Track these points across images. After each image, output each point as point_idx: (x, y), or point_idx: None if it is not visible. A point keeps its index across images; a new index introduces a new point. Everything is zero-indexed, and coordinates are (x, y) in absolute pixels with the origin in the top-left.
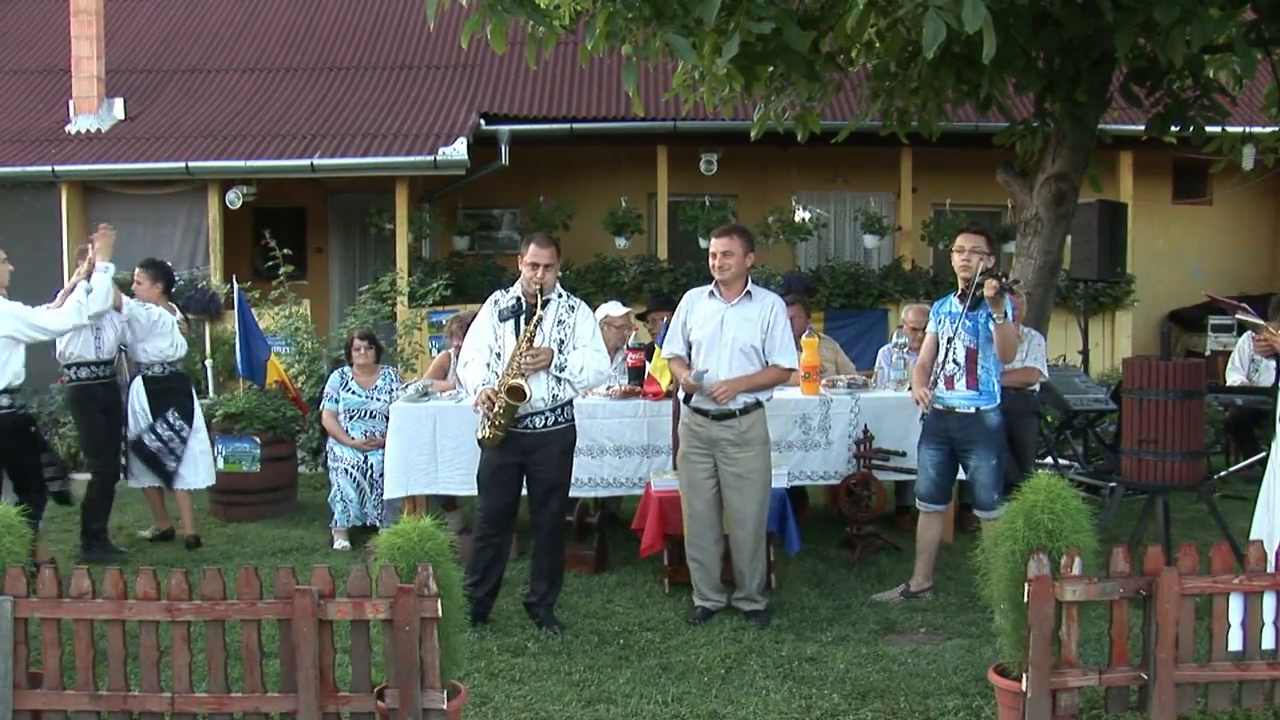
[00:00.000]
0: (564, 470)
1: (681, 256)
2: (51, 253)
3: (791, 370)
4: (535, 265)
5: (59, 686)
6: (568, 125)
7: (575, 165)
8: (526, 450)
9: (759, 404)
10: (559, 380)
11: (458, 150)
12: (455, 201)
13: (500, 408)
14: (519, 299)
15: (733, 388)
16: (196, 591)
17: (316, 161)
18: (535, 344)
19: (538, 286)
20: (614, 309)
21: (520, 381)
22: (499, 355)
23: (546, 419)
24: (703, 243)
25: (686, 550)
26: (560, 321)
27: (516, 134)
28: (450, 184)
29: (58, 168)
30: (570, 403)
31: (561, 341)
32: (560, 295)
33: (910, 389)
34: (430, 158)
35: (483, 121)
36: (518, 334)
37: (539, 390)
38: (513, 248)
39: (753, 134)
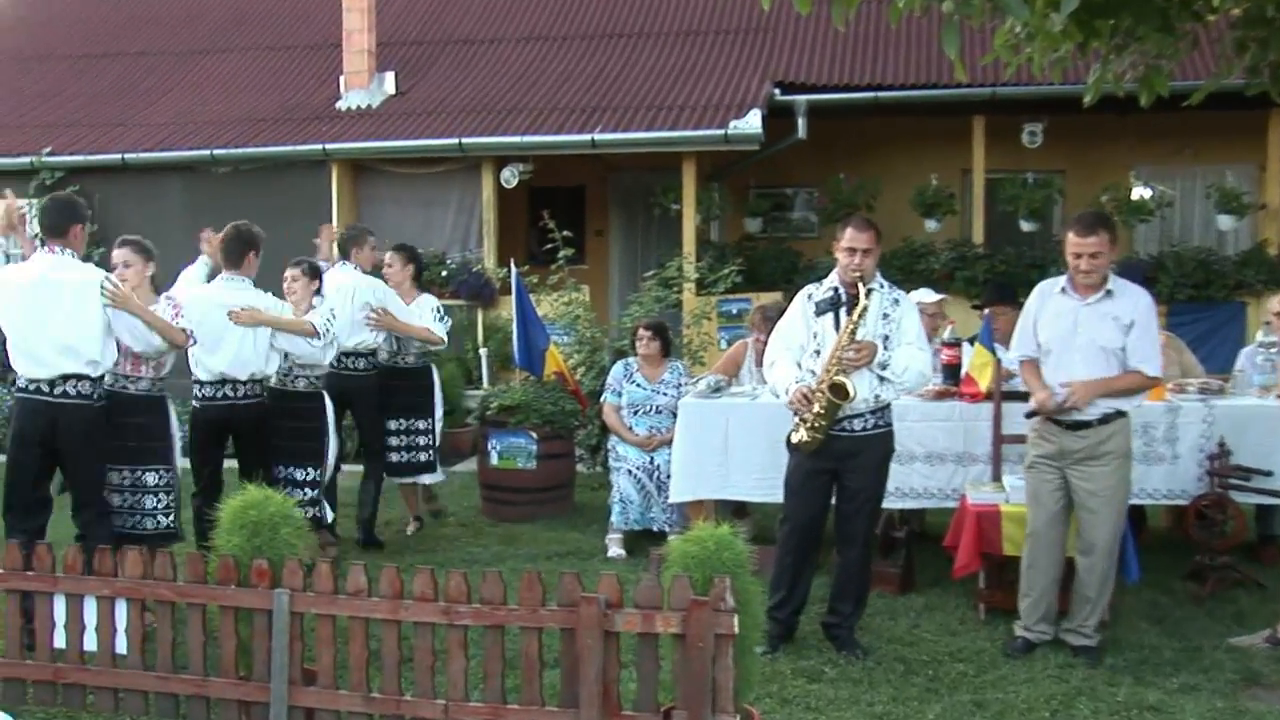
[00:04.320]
0: (880, 479)
1: (999, 240)
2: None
3: (1157, 379)
4: (853, 251)
5: (333, 686)
6: (872, 94)
7: (880, 139)
8: (841, 455)
9: (1120, 413)
10: (881, 380)
11: (750, 123)
12: (746, 180)
13: (821, 407)
14: (836, 289)
15: (1089, 391)
16: (475, 595)
17: (597, 137)
18: (858, 338)
19: (857, 274)
20: (925, 295)
21: (845, 379)
22: (817, 352)
23: (866, 422)
24: (1024, 225)
25: (1022, 572)
26: (885, 315)
27: (815, 104)
28: (741, 160)
29: (328, 146)
30: (889, 406)
31: (886, 337)
32: (882, 286)
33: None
34: (720, 132)
35: (777, 91)
36: (837, 328)
37: (861, 389)
38: (809, 231)
39: (1086, 99)
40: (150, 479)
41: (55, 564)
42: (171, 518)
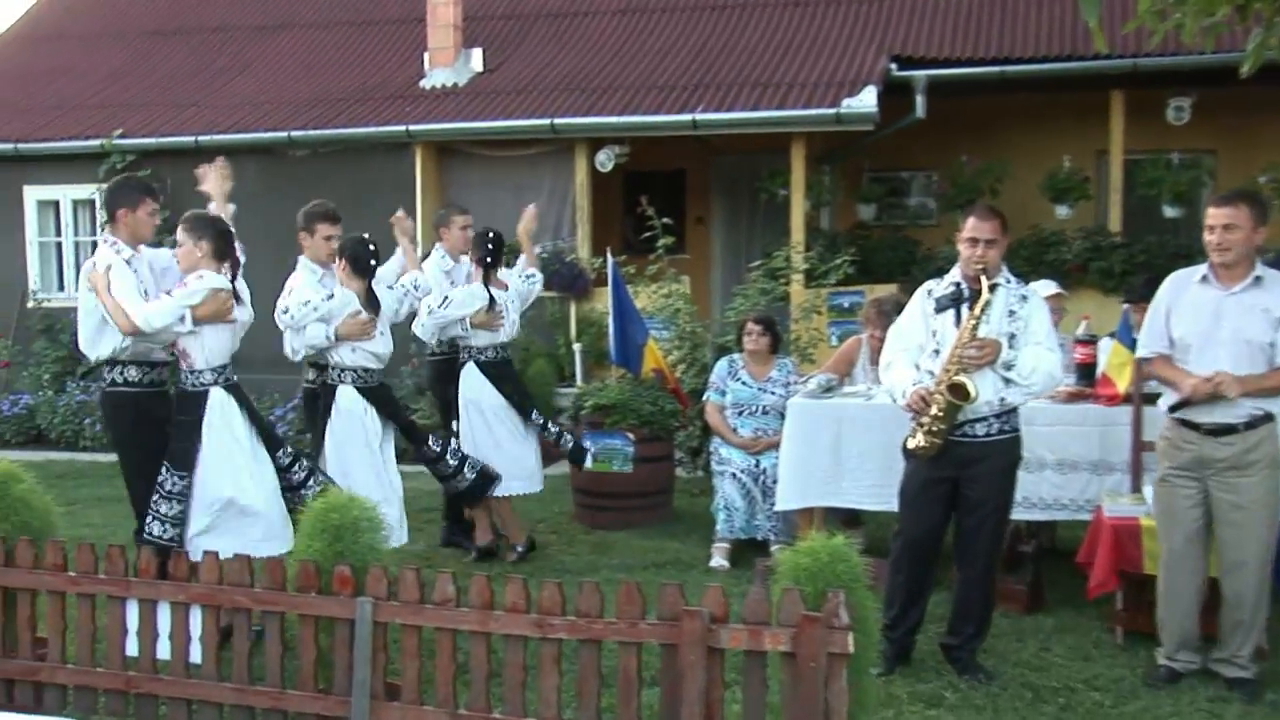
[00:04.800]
0: (1005, 490)
1: (1139, 228)
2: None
3: None
4: (975, 241)
5: (417, 700)
6: (998, 68)
7: (1006, 117)
8: (963, 463)
9: (1269, 416)
10: (1006, 381)
11: (865, 101)
12: (860, 163)
13: (940, 410)
14: (958, 284)
15: (1243, 384)
16: (570, 606)
17: (698, 117)
18: (980, 335)
19: (980, 267)
20: (1044, 287)
21: (965, 379)
22: (936, 352)
23: (990, 426)
24: (1168, 211)
25: (1158, 594)
26: (1011, 313)
27: (935, 80)
28: (855, 142)
29: (412, 127)
30: (1015, 410)
31: (1012, 336)
32: (1008, 281)
33: None
34: (832, 111)
35: (894, 66)
36: (958, 325)
37: (985, 390)
38: (927, 218)
39: (1244, 69)
40: (168, 483)
41: (129, 567)
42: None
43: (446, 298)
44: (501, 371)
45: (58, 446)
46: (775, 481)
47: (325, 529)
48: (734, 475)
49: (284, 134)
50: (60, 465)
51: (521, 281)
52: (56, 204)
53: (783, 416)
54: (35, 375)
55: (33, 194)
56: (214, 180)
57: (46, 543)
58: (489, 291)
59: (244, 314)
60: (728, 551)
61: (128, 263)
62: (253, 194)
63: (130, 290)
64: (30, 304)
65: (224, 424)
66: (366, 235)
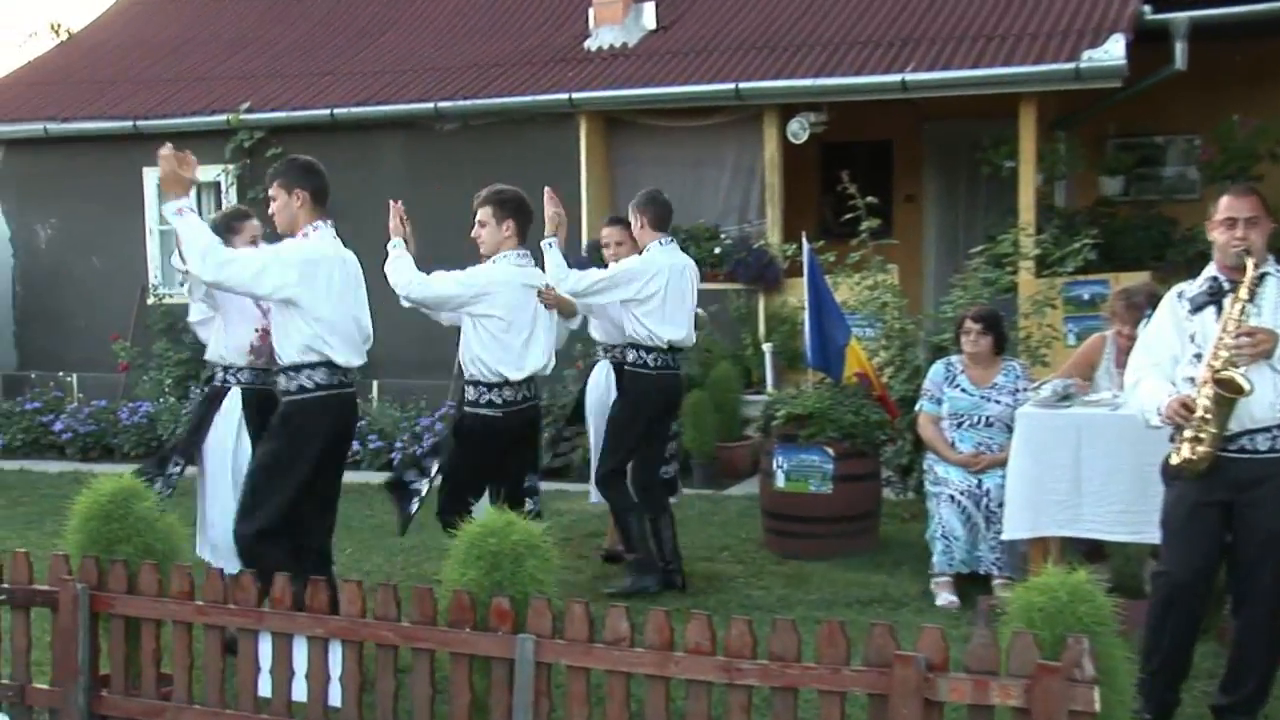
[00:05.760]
0: None
1: None
2: (568, 201)
3: None
4: (1233, 222)
5: None
6: (1278, 4)
7: None
8: (1240, 484)
9: None
10: None
11: (1111, 53)
12: (1103, 128)
13: (1208, 410)
14: (1215, 278)
15: None
16: (763, 648)
17: (908, 77)
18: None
19: (1240, 249)
20: None
21: (1234, 373)
22: (1198, 356)
23: (1275, 439)
24: None
25: None
26: None
27: (1199, 23)
28: (1097, 103)
29: (575, 95)
30: None
31: None
32: (1279, 271)
33: None
34: (1070, 66)
35: (1148, 8)
36: (1220, 320)
37: (1263, 392)
38: (1187, 191)
39: None
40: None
41: (262, 596)
42: None
43: None
44: None
45: None
46: (1001, 505)
47: (481, 555)
48: (952, 498)
49: (430, 105)
50: (183, 481)
51: None
52: None
53: (1010, 429)
54: (156, 380)
55: (152, 177)
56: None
57: (172, 568)
58: None
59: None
60: (952, 585)
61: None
62: (393, 175)
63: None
64: (150, 300)
65: None
66: None
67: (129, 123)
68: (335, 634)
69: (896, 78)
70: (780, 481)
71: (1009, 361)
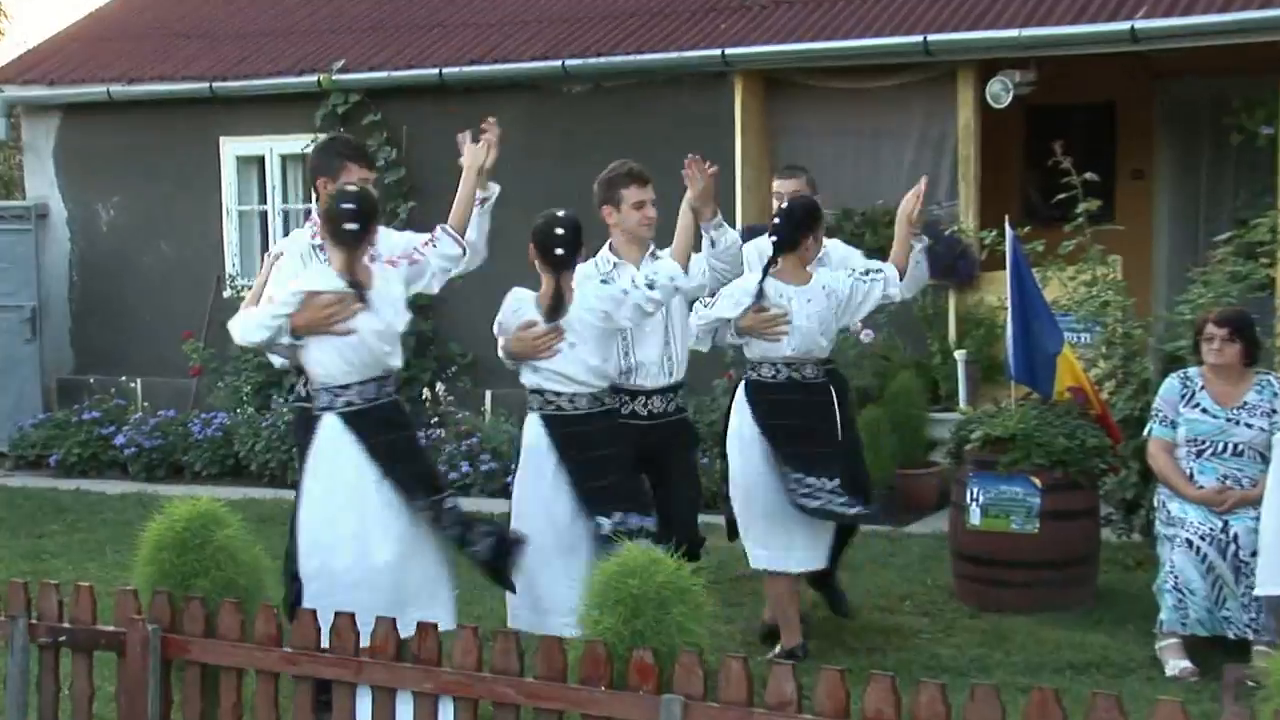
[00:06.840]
0: None
1: None
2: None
3: None
4: None
5: None
6: None
7: None
8: None
9: None
10: None
11: None
12: None
13: None
14: None
15: None
16: (957, 718)
17: (1139, 24)
18: None
19: None
20: None
21: None
22: None
23: None
24: None
25: None
26: None
27: None
28: None
29: (728, 51)
30: None
31: None
32: None
33: None
34: None
35: None
36: None
37: None
38: None
39: None
40: None
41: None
42: None
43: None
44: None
45: (259, 481)
46: (1253, 554)
47: (620, 600)
48: (1189, 542)
49: (556, 63)
50: (265, 505)
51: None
52: (261, 161)
53: (1265, 459)
54: (234, 387)
55: (231, 148)
56: (472, 152)
57: (258, 607)
58: None
59: (373, 321)
60: (1183, 649)
61: (318, 251)
62: (514, 145)
63: (257, 291)
64: (227, 293)
65: (330, 464)
66: (563, 212)
67: (204, 84)
68: (446, 689)
69: (1124, 26)
70: (975, 518)
71: (1263, 375)
